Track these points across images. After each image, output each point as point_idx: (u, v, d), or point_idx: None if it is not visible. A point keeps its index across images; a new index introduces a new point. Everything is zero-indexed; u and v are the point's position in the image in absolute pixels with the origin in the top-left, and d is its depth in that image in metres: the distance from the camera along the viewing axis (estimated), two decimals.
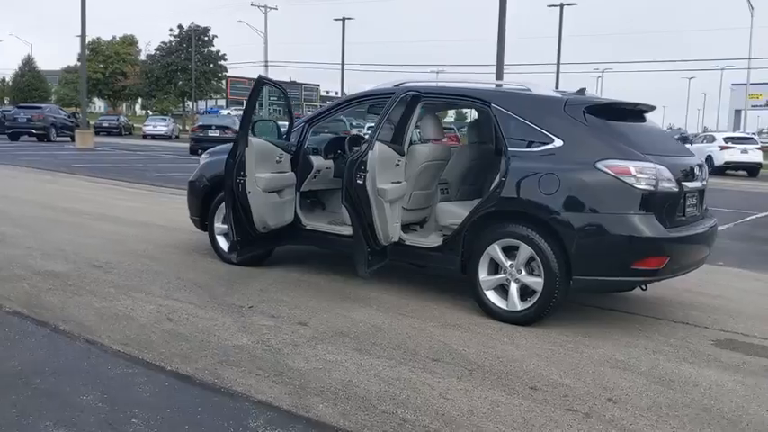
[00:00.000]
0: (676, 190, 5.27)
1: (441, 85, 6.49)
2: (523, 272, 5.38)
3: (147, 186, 14.87)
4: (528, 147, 5.44)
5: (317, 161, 6.81)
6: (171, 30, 63.62)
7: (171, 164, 22.86)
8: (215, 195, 7.14)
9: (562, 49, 41.54)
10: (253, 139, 6.10)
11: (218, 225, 7.12)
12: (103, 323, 4.93)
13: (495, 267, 5.56)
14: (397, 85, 6.52)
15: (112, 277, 6.25)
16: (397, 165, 5.75)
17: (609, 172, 5.10)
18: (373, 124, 5.94)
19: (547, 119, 5.45)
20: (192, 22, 63.49)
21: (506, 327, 5.33)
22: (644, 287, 5.40)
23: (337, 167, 7.08)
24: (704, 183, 5.79)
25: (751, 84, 68.46)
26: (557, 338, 5.13)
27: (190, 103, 67.69)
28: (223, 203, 6.95)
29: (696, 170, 5.67)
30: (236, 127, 28.70)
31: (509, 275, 5.43)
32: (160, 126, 47.33)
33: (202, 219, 7.35)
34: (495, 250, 5.47)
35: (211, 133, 27.24)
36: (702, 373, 4.58)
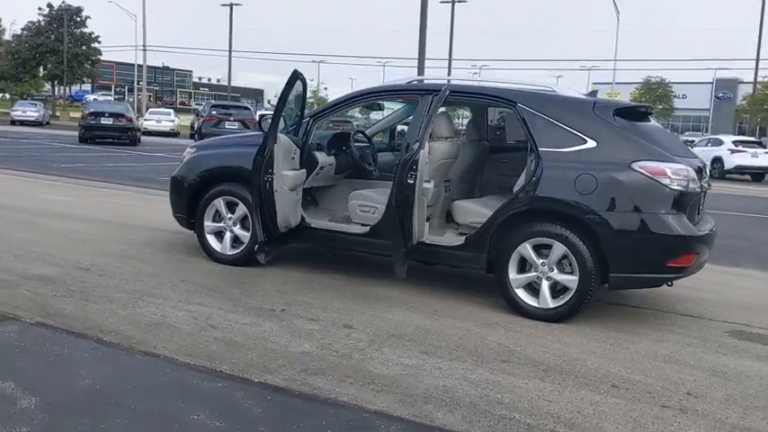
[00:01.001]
0: (699, 190, 5.55)
1: (466, 83, 6.47)
2: (555, 270, 5.48)
3: (64, 179, 13.89)
4: (560, 147, 5.53)
5: (321, 157, 6.62)
6: (40, 9, 59.50)
7: (66, 153, 21.49)
8: (205, 192, 6.79)
9: (443, 43, 42.71)
10: (280, 135, 5.85)
11: (209, 223, 6.78)
12: (146, 333, 4.58)
13: (522, 266, 5.63)
14: (410, 82, 6.46)
15: (111, 281, 5.82)
16: (427, 163, 5.70)
17: (645, 173, 5.29)
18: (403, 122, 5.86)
19: (577, 120, 5.57)
20: (63, 1, 59.66)
21: (541, 324, 5.41)
22: (670, 283, 5.65)
23: (339, 164, 6.92)
24: (708, 184, 6.12)
25: (616, 83, 72.88)
26: (593, 335, 5.27)
27: (56, 87, 63.64)
28: (215, 201, 6.67)
29: (702, 172, 5.99)
30: (131, 114, 27.54)
31: (540, 273, 5.52)
32: (30, 111, 44.22)
33: (189, 217, 6.96)
34: (527, 249, 5.54)
35: (104, 121, 25.71)
36: (743, 364, 4.85)
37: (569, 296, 5.43)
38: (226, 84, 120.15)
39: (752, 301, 6.75)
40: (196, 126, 25.07)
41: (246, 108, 25.92)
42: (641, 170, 5.30)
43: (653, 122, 5.95)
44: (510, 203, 5.67)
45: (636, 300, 6.39)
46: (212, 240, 6.79)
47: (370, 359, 4.37)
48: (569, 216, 5.43)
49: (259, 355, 4.31)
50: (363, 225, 6.38)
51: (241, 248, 6.62)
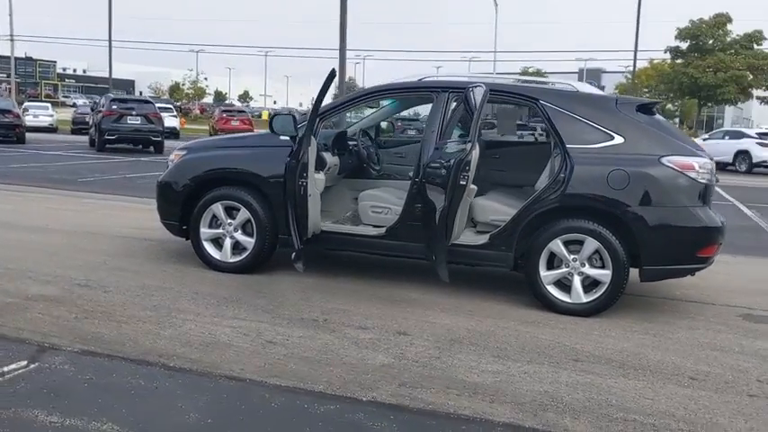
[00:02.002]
0: (714, 183, 5.78)
1: (489, 81, 6.38)
2: (587, 265, 5.55)
3: None
4: (588, 143, 5.59)
5: (328, 158, 6.38)
6: None
7: None
8: (200, 197, 6.38)
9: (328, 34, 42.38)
10: (312, 138, 5.56)
11: (205, 230, 6.38)
12: (210, 354, 4.24)
13: (551, 262, 5.66)
14: (421, 79, 6.34)
15: (122, 298, 5.37)
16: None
17: (674, 167, 5.44)
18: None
19: (602, 116, 5.65)
20: None
21: (576, 320, 5.45)
22: (693, 273, 5.83)
23: (343, 164, 6.69)
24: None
25: (496, 74, 74.74)
26: (630, 327, 5.37)
27: None
28: (212, 206, 6.30)
29: None
30: (17, 110, 25.56)
31: (572, 269, 5.57)
32: None
33: (182, 224, 6.53)
34: (558, 245, 5.57)
35: None
36: None
37: (603, 290, 5.50)
38: (93, 75, 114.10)
39: (737, 285, 7.11)
40: (92, 122, 23.57)
41: (148, 102, 24.66)
42: (671, 165, 5.45)
43: (660, 117, 6.14)
44: (537, 200, 5.67)
45: (637, 289, 6.57)
46: (210, 248, 6.40)
47: (454, 367, 4.26)
48: (602, 212, 5.50)
49: (344, 370, 4.09)
50: (376, 227, 6.22)
51: (245, 255, 6.28)
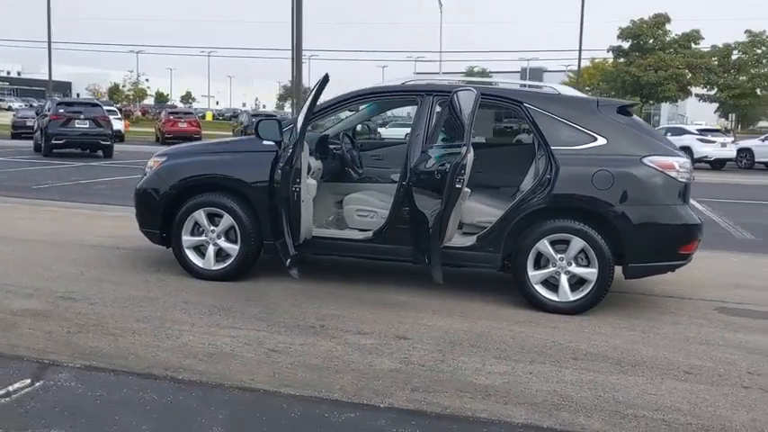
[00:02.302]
0: (692, 182, 5.97)
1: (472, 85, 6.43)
2: (573, 264, 5.67)
3: None
4: (572, 145, 5.71)
5: (312, 162, 6.35)
6: None
7: None
8: (182, 204, 6.29)
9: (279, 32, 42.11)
10: (305, 143, 5.52)
11: (187, 238, 6.29)
12: (217, 365, 4.20)
13: (537, 262, 5.76)
14: (404, 83, 6.37)
15: (110, 310, 5.26)
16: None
17: (655, 167, 5.61)
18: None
19: (585, 118, 5.78)
20: None
21: (565, 318, 5.55)
22: (673, 270, 6.01)
23: (325, 168, 6.67)
24: None
25: (443, 73, 75.93)
26: (618, 323, 5.50)
27: None
28: (194, 213, 6.22)
29: None
30: None
31: (559, 268, 5.68)
32: None
33: (162, 232, 6.42)
34: (546, 245, 5.68)
35: None
36: (762, 340, 5.29)
37: (589, 288, 5.63)
38: (27, 77, 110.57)
39: (708, 279, 7.32)
40: (37, 126, 22.86)
41: (96, 105, 24.04)
42: (652, 164, 5.61)
43: (637, 118, 6.31)
44: (524, 201, 5.76)
45: (617, 286, 6.72)
46: (192, 256, 6.31)
47: (461, 370, 4.30)
48: (588, 211, 5.63)
49: (354, 377, 4.10)
50: (362, 230, 6.23)
51: (229, 262, 6.22)
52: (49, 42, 40.99)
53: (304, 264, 6.74)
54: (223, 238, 6.23)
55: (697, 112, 69.64)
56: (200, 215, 6.22)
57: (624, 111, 5.99)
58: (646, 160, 5.63)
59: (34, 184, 14.25)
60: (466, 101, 5.27)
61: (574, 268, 5.66)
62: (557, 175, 5.64)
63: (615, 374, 4.36)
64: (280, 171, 5.53)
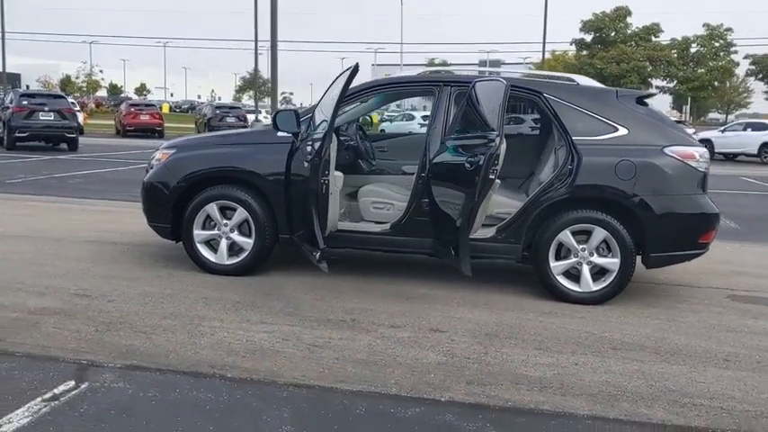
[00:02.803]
0: (709, 172, 6.02)
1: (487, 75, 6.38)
2: (595, 254, 5.68)
3: None
4: (594, 135, 5.71)
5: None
6: None
7: None
8: (193, 197, 6.12)
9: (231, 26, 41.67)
10: (333, 135, 5.40)
11: (199, 232, 6.13)
12: (262, 362, 4.09)
13: (558, 252, 5.75)
14: (420, 73, 6.30)
15: (132, 307, 5.10)
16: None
17: (676, 157, 5.64)
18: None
19: (605, 108, 5.78)
20: None
21: (590, 308, 5.56)
22: (691, 258, 6.06)
23: (338, 160, 6.53)
24: None
25: (397, 64, 75.91)
26: (642, 313, 5.53)
27: None
28: (207, 206, 6.06)
29: None
30: None
31: (581, 259, 5.69)
32: None
33: (172, 226, 6.24)
34: (567, 236, 5.67)
35: None
36: None
37: (611, 278, 5.64)
38: None
39: (709, 268, 7.37)
40: (1, 119, 22.11)
41: (61, 97, 23.37)
42: (673, 154, 5.64)
43: (653, 108, 6.34)
44: (545, 192, 5.74)
45: None
46: (204, 250, 6.15)
47: (508, 362, 4.27)
48: (611, 202, 5.64)
49: (405, 371, 4.03)
50: (379, 223, 6.16)
51: (243, 256, 6.08)
52: (3, 32, 39.73)
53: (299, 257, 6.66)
54: (236, 232, 6.08)
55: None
56: (213, 208, 6.07)
57: (641, 101, 6.01)
58: (667, 150, 5.66)
59: (6, 178, 13.78)
60: (494, 92, 5.21)
61: (596, 258, 5.67)
62: (579, 166, 5.63)
63: (658, 363, 4.37)
64: (307, 163, 5.40)
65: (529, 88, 5.97)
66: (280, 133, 5.96)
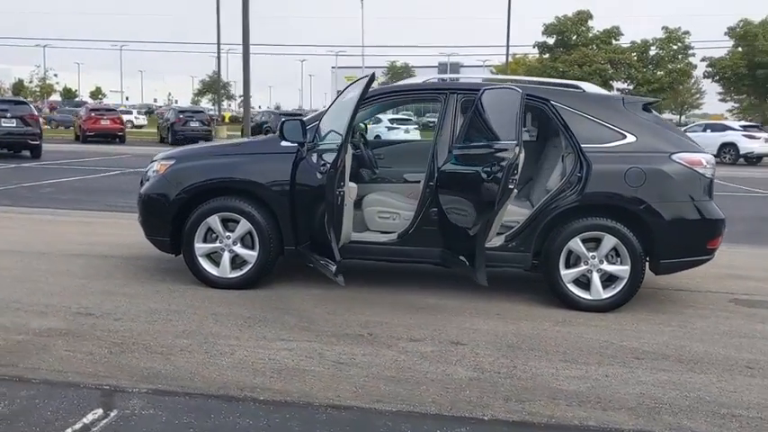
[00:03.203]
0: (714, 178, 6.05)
1: (493, 83, 6.31)
2: (605, 262, 5.67)
3: None
4: (602, 143, 5.71)
5: None
6: None
7: None
8: (193, 209, 5.95)
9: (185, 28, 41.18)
10: (349, 146, 5.27)
11: (200, 245, 5.96)
12: (290, 383, 3.96)
13: (568, 260, 5.73)
14: (426, 81, 6.23)
15: (141, 325, 4.92)
16: None
17: (684, 163, 5.66)
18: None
19: (613, 116, 5.78)
20: None
21: (601, 316, 5.54)
22: (699, 264, 6.07)
23: None
24: None
25: (358, 67, 75.86)
26: (654, 320, 5.53)
27: None
28: (208, 218, 5.91)
29: None
30: None
31: (591, 266, 5.67)
32: None
33: (172, 239, 6.06)
34: (578, 243, 5.65)
35: None
36: None
37: (621, 285, 5.63)
38: None
39: (702, 272, 7.20)
40: None
41: (23, 103, 22.65)
42: (681, 161, 5.67)
43: (658, 115, 6.37)
44: (554, 200, 5.72)
45: None
46: (205, 264, 5.98)
47: (539, 376, 4.21)
48: (621, 209, 5.63)
49: (439, 388, 3.95)
50: (384, 233, 6.07)
51: (247, 269, 5.93)
52: None
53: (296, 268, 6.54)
54: (239, 245, 5.93)
55: None
56: (215, 221, 5.90)
57: (647, 108, 6.03)
58: (674, 157, 5.68)
59: None
60: (509, 100, 5.17)
61: (606, 266, 5.66)
62: (588, 173, 5.62)
63: (685, 373, 4.36)
64: (320, 174, 5.27)
65: (536, 96, 5.93)
66: (283, 143, 5.83)
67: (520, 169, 5.03)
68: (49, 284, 5.92)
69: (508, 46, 37.05)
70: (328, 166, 5.05)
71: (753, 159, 29.52)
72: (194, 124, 34.07)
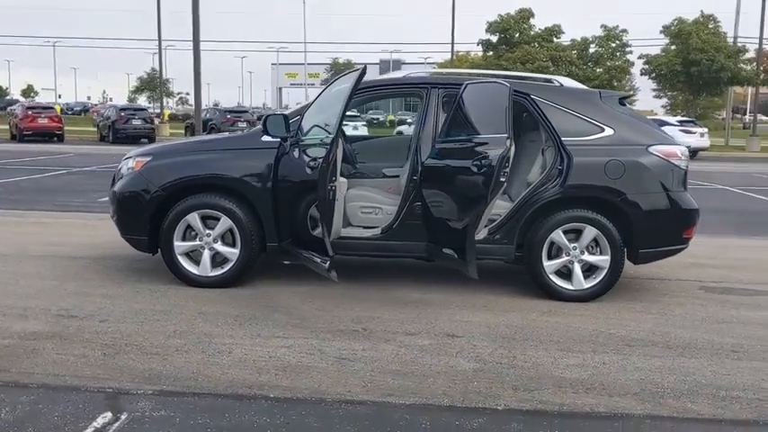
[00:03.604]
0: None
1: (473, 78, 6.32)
2: (586, 252, 5.79)
3: None
4: (582, 136, 5.81)
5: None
6: None
7: None
8: (171, 207, 5.82)
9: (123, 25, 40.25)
10: (340, 140, 5.21)
11: (180, 243, 5.83)
12: (295, 379, 3.93)
13: (550, 252, 5.82)
14: (407, 75, 6.23)
15: (130, 326, 4.79)
16: None
17: (660, 155, 5.82)
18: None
19: (591, 109, 5.89)
20: None
21: (586, 305, 5.64)
22: (676, 253, 6.21)
23: None
24: None
25: (300, 64, 75.38)
26: (633, 308, 5.66)
27: None
28: (188, 216, 5.80)
29: None
30: None
31: (572, 257, 5.77)
32: None
33: (150, 238, 5.91)
34: (560, 235, 5.75)
35: None
36: (760, 314, 5.62)
37: (602, 275, 5.75)
38: None
39: (665, 261, 7.60)
40: None
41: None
42: (658, 153, 5.82)
43: (631, 108, 6.52)
44: (536, 192, 5.79)
45: None
46: (185, 262, 5.85)
47: (540, 365, 4.27)
48: (601, 200, 5.75)
49: (446, 380, 3.96)
50: (367, 228, 6.05)
51: (228, 267, 5.83)
52: None
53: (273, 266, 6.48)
54: (220, 242, 5.83)
55: None
56: (195, 218, 5.78)
57: (622, 102, 6.17)
58: (651, 149, 5.82)
59: None
60: (496, 94, 5.21)
61: (587, 257, 5.77)
62: (570, 166, 5.71)
63: (676, 358, 4.48)
64: (310, 169, 5.20)
65: (517, 90, 5.97)
66: (264, 138, 5.76)
67: (510, 162, 5.08)
68: (21, 287, 5.71)
69: (453, 43, 37.37)
70: (320, 160, 5.00)
71: (689, 153, 30.48)
72: (137, 122, 33.28)
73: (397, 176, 6.61)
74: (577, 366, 4.26)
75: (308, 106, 5.82)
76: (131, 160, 6.08)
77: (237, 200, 5.78)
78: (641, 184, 5.76)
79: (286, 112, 5.89)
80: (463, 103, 5.61)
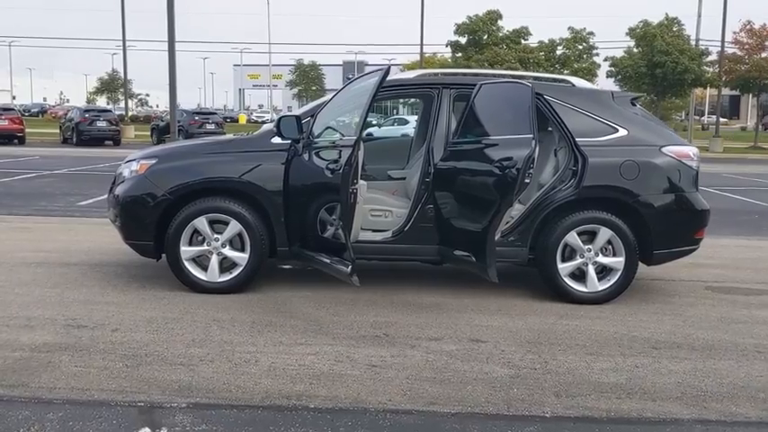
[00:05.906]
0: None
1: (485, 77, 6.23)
2: (600, 254, 5.75)
3: None
4: (596, 136, 5.77)
5: None
6: None
7: None
8: (178, 211, 5.64)
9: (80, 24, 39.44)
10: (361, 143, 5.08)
11: (186, 248, 5.65)
12: (331, 388, 3.80)
13: (563, 254, 5.77)
14: (418, 75, 6.14)
15: (145, 336, 4.61)
16: None
17: (674, 156, 5.81)
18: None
19: (604, 110, 5.86)
20: None
21: (599, 308, 5.60)
22: (688, 254, 6.21)
23: None
24: None
25: (264, 65, 74.85)
26: (647, 309, 5.65)
27: None
28: (195, 220, 5.63)
29: None
30: None
31: (587, 259, 5.73)
32: None
33: (156, 243, 5.72)
34: (574, 237, 5.70)
35: None
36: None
37: (616, 277, 5.72)
38: None
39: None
40: None
41: None
42: (671, 154, 5.81)
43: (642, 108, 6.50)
44: (549, 194, 5.74)
45: None
46: (192, 268, 5.67)
47: (575, 370, 4.20)
48: (617, 201, 5.71)
49: (485, 387, 3.87)
50: (377, 231, 5.94)
51: (237, 272, 5.67)
52: None
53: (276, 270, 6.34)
54: (228, 247, 5.66)
55: None
56: (203, 222, 5.61)
57: (634, 102, 6.15)
58: (665, 150, 5.81)
59: None
60: (518, 95, 5.15)
61: (601, 258, 5.73)
62: (585, 167, 5.66)
63: (706, 360, 4.46)
64: (330, 172, 5.06)
65: None
66: (274, 139, 5.62)
67: (535, 163, 5.01)
68: (20, 296, 5.47)
69: (422, 45, 37.39)
70: (342, 163, 4.87)
71: None
72: (101, 124, 32.56)
73: (404, 179, 6.51)
74: (612, 371, 4.20)
75: (320, 106, 5.68)
76: (134, 163, 5.87)
77: (247, 203, 5.63)
78: (656, 185, 5.75)
79: (298, 113, 5.74)
80: (479, 103, 5.53)
